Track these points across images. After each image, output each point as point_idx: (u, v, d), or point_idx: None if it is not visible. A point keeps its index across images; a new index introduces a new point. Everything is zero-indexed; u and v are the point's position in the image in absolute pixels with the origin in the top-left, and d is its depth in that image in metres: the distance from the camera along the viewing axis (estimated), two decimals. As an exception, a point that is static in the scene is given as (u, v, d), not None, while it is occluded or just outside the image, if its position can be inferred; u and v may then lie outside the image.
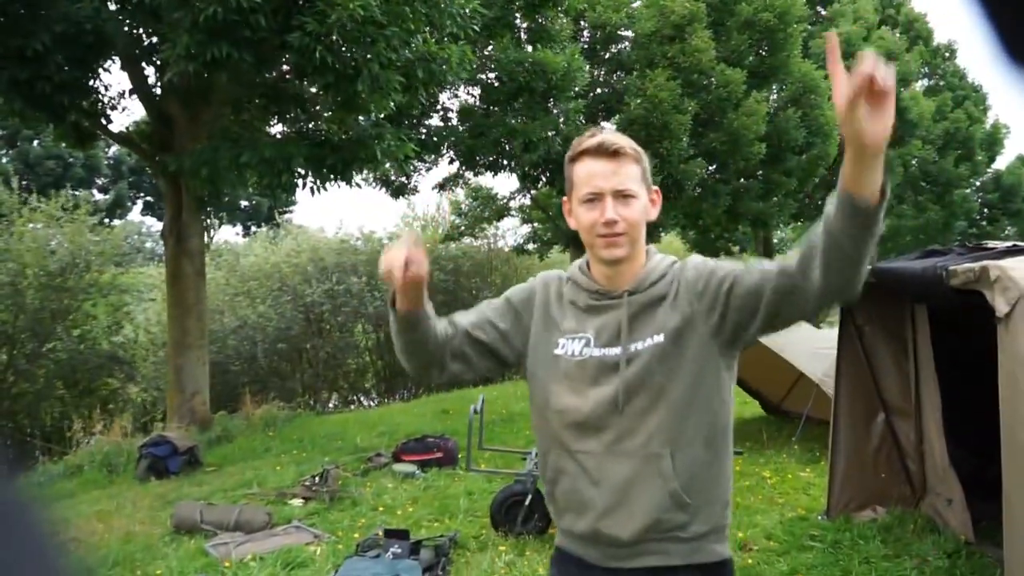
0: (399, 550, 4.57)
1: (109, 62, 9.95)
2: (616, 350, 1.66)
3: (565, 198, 1.75)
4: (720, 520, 1.70)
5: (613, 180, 1.63)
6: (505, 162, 14.69)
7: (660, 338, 1.64)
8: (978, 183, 31.06)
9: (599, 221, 1.62)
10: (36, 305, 13.57)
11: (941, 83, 27.86)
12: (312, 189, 9.85)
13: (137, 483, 7.74)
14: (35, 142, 31.22)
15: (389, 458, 7.60)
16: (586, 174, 1.65)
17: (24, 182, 17.28)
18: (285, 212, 37.32)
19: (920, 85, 25.99)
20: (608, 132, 1.70)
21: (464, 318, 1.79)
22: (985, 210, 31.52)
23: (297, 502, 6.31)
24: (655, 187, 1.74)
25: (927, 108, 21.94)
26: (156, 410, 13.66)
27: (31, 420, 13.79)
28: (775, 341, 7.18)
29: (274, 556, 4.87)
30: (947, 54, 28.41)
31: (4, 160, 30.11)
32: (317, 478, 6.57)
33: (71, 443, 10.15)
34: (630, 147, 1.66)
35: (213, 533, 5.48)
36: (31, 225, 14.43)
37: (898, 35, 21.49)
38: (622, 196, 1.63)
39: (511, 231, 19.49)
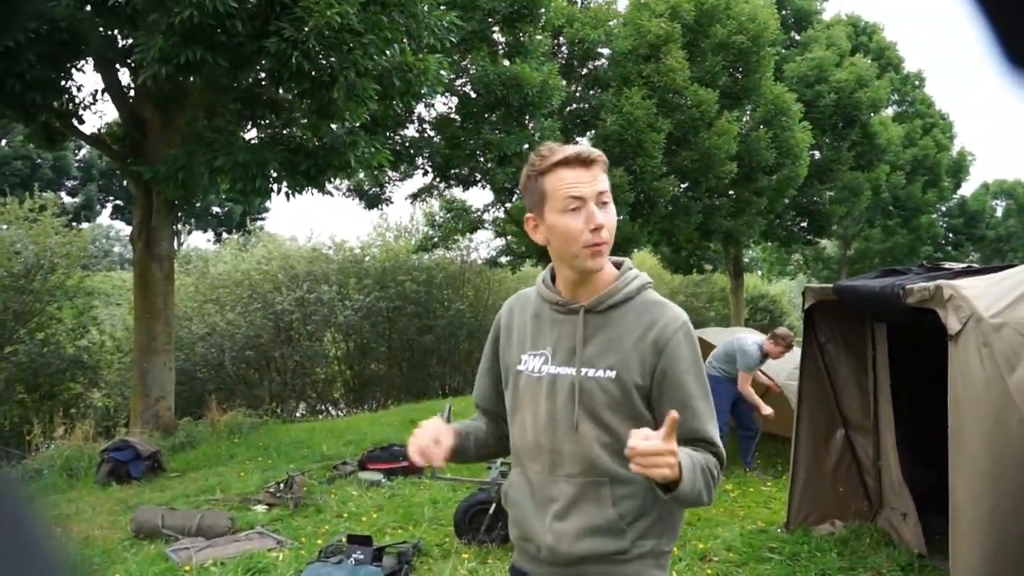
0: (362, 556, 4.56)
1: (82, 62, 9.86)
2: (570, 370, 1.67)
3: (530, 214, 1.71)
4: (660, 546, 1.70)
5: (594, 186, 1.63)
6: (479, 176, 14.76)
7: (612, 374, 1.64)
8: (944, 208, 31.76)
9: (586, 229, 1.60)
10: (2, 307, 13.34)
11: (910, 110, 28.50)
12: (286, 195, 9.82)
13: (98, 488, 7.61)
14: (2, 142, 30.78)
15: (355, 466, 7.56)
16: (564, 182, 1.62)
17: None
18: (257, 219, 37.12)
19: (890, 111, 26.56)
20: (574, 146, 1.68)
21: (478, 397, 1.92)
22: (950, 235, 32.24)
23: (261, 508, 6.26)
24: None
25: (896, 134, 22.39)
26: (119, 415, 13.45)
27: (-13, 424, 13.51)
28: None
29: (236, 561, 4.84)
30: (916, 82, 29.07)
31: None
32: (282, 485, 6.52)
33: (31, 447, 9.96)
34: (602, 156, 1.67)
35: (174, 538, 5.42)
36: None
37: (869, 62, 21.92)
38: (601, 201, 1.63)
39: (484, 244, 19.57)
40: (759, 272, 36.31)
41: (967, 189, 32.58)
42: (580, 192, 1.61)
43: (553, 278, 1.77)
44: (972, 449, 3.37)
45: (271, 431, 10.26)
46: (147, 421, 9.72)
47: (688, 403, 1.62)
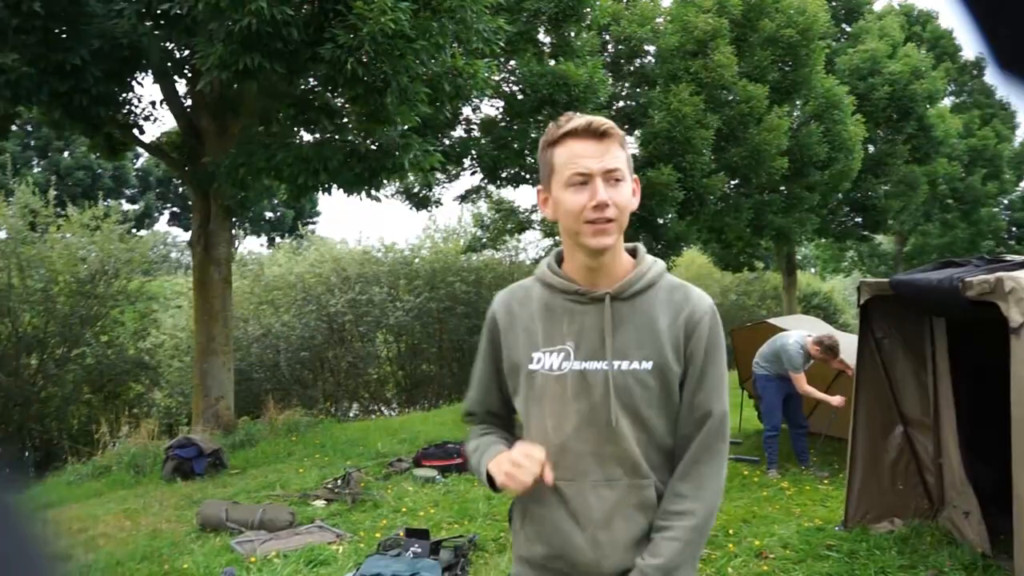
0: (419, 549, 4.66)
1: (142, 75, 10.22)
2: (600, 364, 1.54)
3: (540, 187, 1.63)
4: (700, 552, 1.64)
5: (603, 160, 1.51)
6: (527, 175, 14.83)
7: (648, 365, 1.54)
8: (1006, 201, 30.77)
9: (588, 205, 1.50)
10: (66, 311, 13.87)
11: (968, 100, 27.70)
12: (346, 191, 10.03)
13: (163, 483, 7.89)
14: (65, 153, 31.89)
15: (410, 463, 7.70)
16: (571, 155, 1.52)
17: (55, 192, 17.67)
18: (308, 223, 37.76)
19: (947, 102, 25.87)
20: (583, 115, 1.56)
21: (484, 404, 1.77)
22: (1013, 228, 31.20)
23: (320, 503, 6.42)
24: (635, 176, 1.62)
25: (953, 125, 21.80)
26: (180, 414, 13.87)
27: (59, 423, 14.06)
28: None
29: (297, 554, 4.98)
30: (974, 71, 28.26)
31: (36, 170, 30.74)
32: (339, 480, 6.68)
33: (98, 445, 10.35)
34: (616, 129, 1.55)
35: (238, 531, 5.60)
36: (62, 234, 14.76)
37: (924, 52, 21.40)
38: (612, 179, 1.52)
39: (533, 244, 19.57)
40: (812, 269, 35.66)
41: (1030, 181, 31.50)
42: (587, 167, 1.50)
43: (560, 265, 1.66)
44: (1037, 444, 3.31)
45: (327, 430, 10.48)
46: (208, 420, 10.02)
47: (707, 386, 1.57)
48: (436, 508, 6.18)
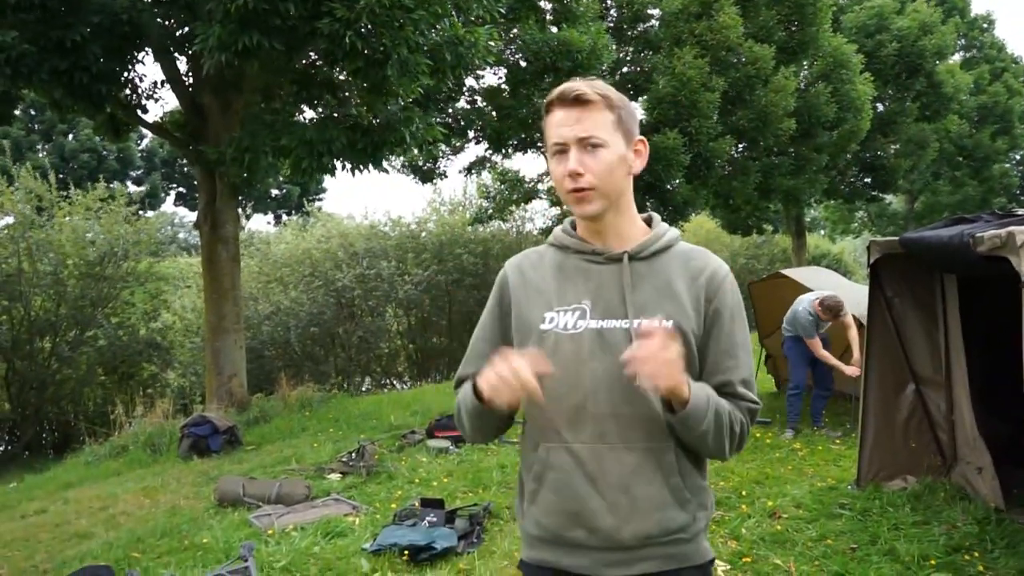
0: (435, 519, 4.70)
1: (143, 53, 10.16)
2: (620, 323, 1.51)
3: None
4: (709, 517, 1.62)
5: (577, 128, 1.49)
6: (533, 143, 14.74)
7: (668, 324, 1.50)
8: (1018, 157, 30.40)
9: (565, 174, 1.50)
10: (77, 294, 13.96)
11: (979, 55, 27.28)
12: (351, 171, 9.99)
13: (180, 461, 7.98)
14: (70, 136, 31.88)
15: (423, 435, 7.75)
16: (553, 124, 1.52)
17: (60, 175, 17.68)
18: (314, 200, 37.74)
19: (956, 58, 25.48)
20: (584, 80, 1.54)
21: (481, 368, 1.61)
22: (1025, 184, 30.89)
23: (335, 476, 6.48)
24: (640, 137, 1.58)
25: (964, 81, 21.48)
26: (194, 393, 13.99)
27: (75, 405, 14.22)
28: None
29: (315, 526, 5.04)
30: (985, 25, 27.80)
31: (41, 154, 30.77)
32: (353, 454, 6.74)
33: (115, 426, 10.46)
34: (598, 93, 1.50)
35: (255, 506, 5.66)
36: (69, 217, 14.81)
37: (933, 7, 21.03)
38: (588, 145, 1.50)
39: (540, 214, 19.51)
40: (822, 231, 35.45)
41: (1043, 135, 31.08)
42: (561, 136, 1.50)
43: (574, 227, 1.65)
44: (1049, 398, 3.29)
45: (340, 404, 10.56)
46: (221, 398, 10.10)
47: (731, 351, 1.55)
48: (450, 478, 6.23)
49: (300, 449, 7.76)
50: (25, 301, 13.32)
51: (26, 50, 7.85)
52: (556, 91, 1.52)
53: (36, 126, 31.80)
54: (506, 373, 1.40)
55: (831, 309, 6.79)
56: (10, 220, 14.01)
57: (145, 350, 14.89)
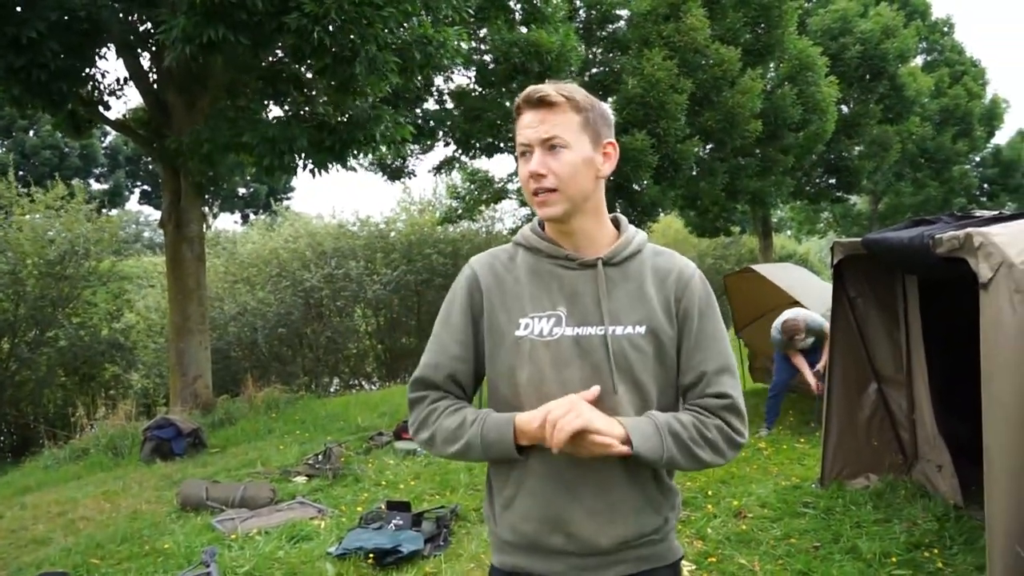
0: (401, 521, 4.67)
1: (105, 49, 9.96)
2: (595, 329, 1.51)
3: None
4: (677, 516, 1.64)
5: (540, 130, 1.49)
6: (501, 145, 14.71)
7: (642, 329, 1.52)
8: (977, 159, 31.04)
9: (527, 176, 1.51)
10: (36, 294, 13.67)
11: (940, 58, 27.79)
12: (311, 172, 9.89)
13: (142, 465, 7.84)
14: (31, 132, 31.21)
15: (390, 437, 7.70)
16: (520, 127, 1.53)
17: (20, 172, 17.25)
18: (282, 199, 37.39)
19: (918, 61, 25.92)
20: (554, 83, 1.53)
21: (450, 373, 1.59)
22: (985, 185, 31.53)
23: (301, 479, 6.41)
24: (609, 140, 1.57)
25: (925, 84, 21.87)
26: (158, 395, 13.78)
27: (34, 407, 13.91)
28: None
29: (279, 530, 4.98)
30: (945, 29, 28.32)
31: (1, 150, 30.08)
32: (320, 456, 6.67)
33: (75, 428, 10.26)
34: (562, 94, 1.50)
35: (219, 510, 5.58)
36: (29, 216, 14.49)
37: (895, 10, 21.37)
38: (550, 147, 1.49)
39: (509, 214, 19.50)
40: (788, 232, 35.88)
41: (1001, 137, 31.79)
42: (525, 137, 1.51)
43: (543, 227, 1.62)
44: (1004, 398, 3.35)
45: (307, 406, 10.45)
46: (186, 400, 9.95)
47: (702, 344, 1.55)
48: (417, 480, 6.20)
49: (266, 451, 7.67)
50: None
51: None
52: (523, 93, 1.53)
53: (-6, 122, 31.07)
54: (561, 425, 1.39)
55: (785, 332, 7.04)
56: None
57: (107, 351, 14.62)
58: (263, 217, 26.37)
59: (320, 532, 4.92)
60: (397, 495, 5.71)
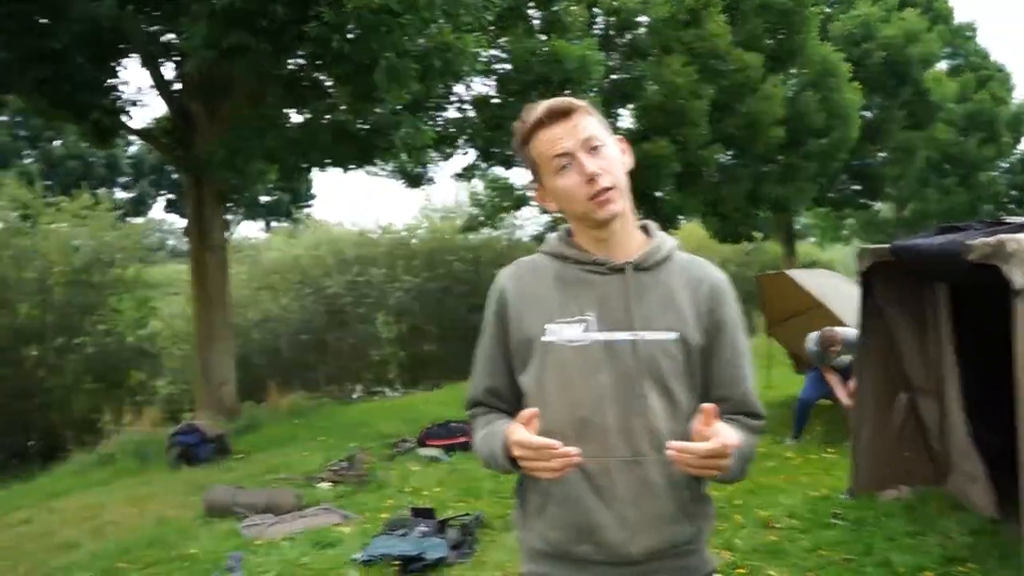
0: (426, 528, 4.66)
1: (128, 59, 10.07)
2: (625, 335, 1.49)
3: (535, 186, 1.62)
4: (712, 527, 1.62)
5: (577, 133, 1.50)
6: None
7: (673, 336, 1.51)
8: (1005, 165, 30.63)
9: (581, 182, 1.49)
10: (63, 301, 13.83)
11: (964, 63, 27.51)
12: (341, 168, 9.95)
13: (168, 470, 7.89)
14: (57, 142, 31.70)
15: (414, 443, 7.70)
16: (547, 144, 1.52)
17: (47, 182, 17.50)
18: (303, 207, 37.63)
19: (943, 66, 25.66)
20: (542, 103, 1.55)
21: (491, 387, 1.64)
22: (1013, 192, 31.09)
23: (325, 486, 6.42)
24: (619, 136, 1.60)
25: (950, 89, 21.65)
26: (183, 401, 13.88)
27: (62, 413, 14.05)
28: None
29: (304, 535, 4.99)
30: (968, 33, 28.03)
31: (28, 160, 30.55)
32: (344, 463, 6.68)
33: (102, 434, 10.35)
34: (577, 102, 1.54)
35: (244, 515, 5.60)
36: (55, 224, 14.70)
37: (918, 15, 21.19)
38: (590, 147, 1.50)
39: (530, 221, 19.49)
40: (812, 239, 35.60)
41: (1029, 144, 31.33)
42: (564, 147, 1.50)
43: (570, 234, 1.62)
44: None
45: (330, 412, 10.49)
46: (211, 406, 10.01)
47: (736, 362, 1.57)
48: (442, 487, 6.19)
49: (290, 458, 7.69)
50: (11, 308, 13.19)
51: (4, 58, 7.75)
52: (536, 114, 1.52)
53: (21, 132, 31.57)
54: (532, 455, 1.39)
55: (824, 341, 6.97)
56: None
57: (133, 357, 14.75)
58: (285, 224, 26.58)
59: (345, 538, 4.92)
60: (421, 502, 5.70)
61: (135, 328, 15.32)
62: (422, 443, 7.56)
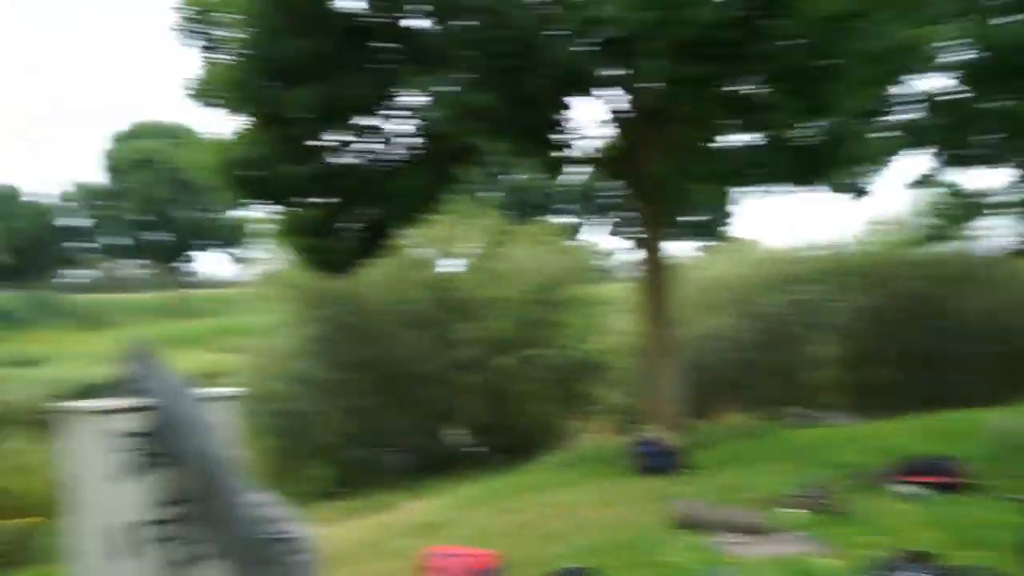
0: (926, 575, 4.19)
1: (581, 94, 10.95)
2: None
3: None
4: None
5: None
6: (993, 153, 12.77)
7: None
8: None
9: None
10: (526, 317, 15.68)
11: None
12: (797, 186, 9.71)
13: (628, 477, 8.37)
14: (515, 173, 36.16)
15: (884, 477, 7.03)
16: None
17: (508, 211, 20.03)
18: (725, 224, 37.62)
19: None
20: None
21: None
22: None
23: (791, 511, 6.19)
24: None
25: None
26: (633, 413, 14.64)
27: (526, 416, 15.86)
28: None
29: (783, 561, 4.84)
30: None
31: (493, 192, 35.31)
32: (811, 489, 6.38)
33: (563, 438, 11.33)
34: None
35: (714, 531, 5.64)
36: (518, 249, 16.76)
37: None
38: None
39: (999, 229, 16.76)
40: None
41: None
42: None
43: None
44: None
45: (780, 435, 10.19)
46: (658, 419, 10.36)
47: None
48: (928, 530, 5.52)
49: (749, 478, 7.60)
50: (485, 322, 15.33)
51: (494, 106, 8.83)
52: None
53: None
54: None
55: None
56: (477, 251, 16.34)
57: (584, 369, 16.08)
58: (717, 244, 26.84)
59: (828, 572, 4.65)
60: (901, 543, 5.15)
61: (584, 343, 16.70)
62: (898, 478, 6.86)
